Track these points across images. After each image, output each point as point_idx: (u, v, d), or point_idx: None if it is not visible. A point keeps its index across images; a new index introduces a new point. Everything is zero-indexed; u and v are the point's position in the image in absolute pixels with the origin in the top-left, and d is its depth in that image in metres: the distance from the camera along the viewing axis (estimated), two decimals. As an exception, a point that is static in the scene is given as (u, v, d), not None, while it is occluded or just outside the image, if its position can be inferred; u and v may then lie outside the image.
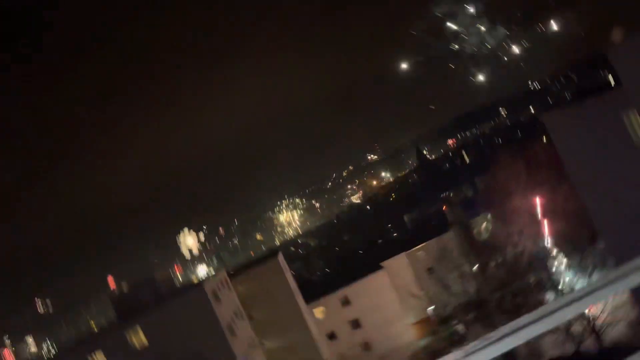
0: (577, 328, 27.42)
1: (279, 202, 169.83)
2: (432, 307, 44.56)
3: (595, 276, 30.90)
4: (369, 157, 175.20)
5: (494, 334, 1.85)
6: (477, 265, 41.84)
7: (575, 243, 33.55)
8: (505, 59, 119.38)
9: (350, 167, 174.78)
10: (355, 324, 46.54)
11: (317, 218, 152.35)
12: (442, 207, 73.51)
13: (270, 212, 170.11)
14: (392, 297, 46.21)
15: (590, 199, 20.79)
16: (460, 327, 39.94)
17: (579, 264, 33.31)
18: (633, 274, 1.90)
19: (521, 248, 34.94)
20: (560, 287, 33.25)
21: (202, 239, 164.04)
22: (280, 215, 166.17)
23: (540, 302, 32.15)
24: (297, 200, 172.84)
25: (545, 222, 37.60)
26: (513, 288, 33.41)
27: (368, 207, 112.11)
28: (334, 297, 46.84)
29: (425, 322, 46.59)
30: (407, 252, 50.27)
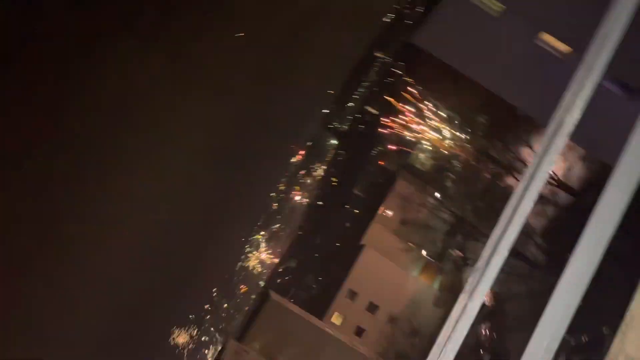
0: None
1: (242, 251, 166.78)
2: (424, 251, 45.53)
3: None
4: (294, 160, 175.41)
5: (480, 264, 1.75)
6: (436, 193, 43.12)
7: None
8: None
9: (283, 179, 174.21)
10: (372, 307, 46.81)
11: (283, 239, 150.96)
12: (379, 162, 75.29)
13: (239, 263, 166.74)
14: (387, 264, 46.82)
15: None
16: (456, 253, 41.01)
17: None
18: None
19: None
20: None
21: (194, 332, 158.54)
22: (248, 260, 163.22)
23: (509, 188, 33.56)
24: (256, 236, 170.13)
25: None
26: (478, 193, 34.65)
27: (320, 202, 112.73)
28: (340, 297, 46.89)
29: (428, 268, 47.51)
30: (374, 218, 51.22)
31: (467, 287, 1.71)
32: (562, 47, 14.82)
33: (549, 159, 1.75)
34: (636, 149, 1.84)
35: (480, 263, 1.73)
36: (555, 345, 1.70)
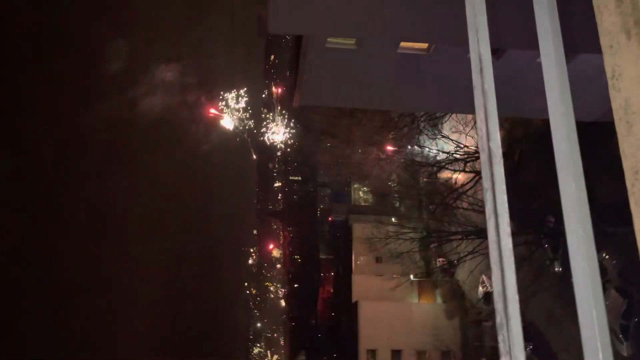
0: None
1: (248, 348, 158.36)
2: (411, 276, 45.31)
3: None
4: (251, 261, 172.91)
5: (499, 320, 1.61)
6: (392, 218, 43.68)
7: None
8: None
9: (248, 281, 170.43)
10: (396, 354, 45.36)
11: (279, 339, 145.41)
12: (329, 219, 75.74)
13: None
14: (387, 306, 45.99)
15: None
16: (439, 261, 41.20)
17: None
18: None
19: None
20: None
21: None
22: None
23: (447, 180, 34.60)
24: (255, 350, 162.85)
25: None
26: (425, 199, 35.48)
27: (295, 285, 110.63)
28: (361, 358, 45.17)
29: (423, 289, 47.15)
30: (353, 271, 50.70)
31: (503, 348, 1.55)
32: (421, 45, 15.90)
33: (500, 194, 1.71)
34: (555, 94, 1.84)
35: (499, 319, 1.59)
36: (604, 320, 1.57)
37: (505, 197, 1.68)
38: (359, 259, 50.84)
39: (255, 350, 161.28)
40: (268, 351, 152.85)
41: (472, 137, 32.34)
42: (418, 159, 37.87)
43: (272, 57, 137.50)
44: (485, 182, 1.74)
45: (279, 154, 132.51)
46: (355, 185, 66.69)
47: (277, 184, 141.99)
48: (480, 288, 35.65)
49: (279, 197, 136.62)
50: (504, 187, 1.70)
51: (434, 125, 34.81)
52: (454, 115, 33.59)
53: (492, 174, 1.73)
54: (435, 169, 34.78)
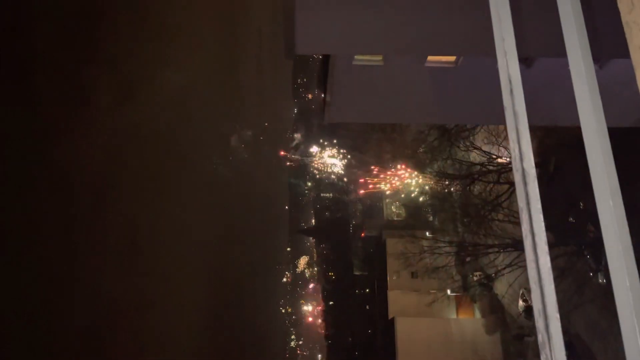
0: None
1: None
2: (448, 291, 44.57)
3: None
4: (285, 279, 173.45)
5: (542, 338, 1.63)
6: (426, 232, 43.22)
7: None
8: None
9: (282, 300, 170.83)
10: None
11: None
12: (361, 235, 75.38)
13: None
14: (425, 323, 45.25)
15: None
16: (476, 275, 40.41)
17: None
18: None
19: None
20: None
21: None
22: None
23: (480, 191, 34.06)
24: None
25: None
26: (459, 211, 35.00)
27: (330, 302, 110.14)
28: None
29: (461, 304, 46.27)
30: (387, 287, 50.17)
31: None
32: (449, 58, 15.88)
33: (534, 203, 1.74)
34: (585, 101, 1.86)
35: (541, 338, 1.61)
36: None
37: (541, 216, 1.70)
38: (394, 275, 50.34)
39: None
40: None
41: (505, 148, 31.84)
42: (450, 171, 37.50)
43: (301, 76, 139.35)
44: (520, 202, 1.77)
45: (312, 170, 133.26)
46: (387, 200, 66.30)
47: (308, 201, 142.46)
48: (521, 301, 34.74)
49: (311, 214, 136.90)
50: (539, 205, 1.72)
51: (466, 137, 34.47)
52: (485, 127, 33.21)
53: (526, 194, 1.76)
54: (468, 181, 34.33)
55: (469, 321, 45.30)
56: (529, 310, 33.61)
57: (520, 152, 1.82)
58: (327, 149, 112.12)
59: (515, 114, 1.87)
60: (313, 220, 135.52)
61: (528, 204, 1.76)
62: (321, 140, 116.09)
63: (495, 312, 40.70)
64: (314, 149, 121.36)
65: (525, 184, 1.78)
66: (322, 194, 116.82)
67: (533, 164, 1.80)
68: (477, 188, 34.58)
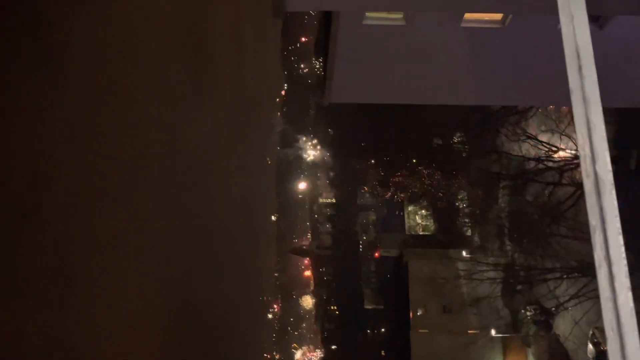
0: None
1: None
2: (492, 331, 44.73)
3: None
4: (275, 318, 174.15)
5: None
6: (463, 252, 43.37)
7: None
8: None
9: (277, 339, 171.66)
10: None
11: None
12: (375, 256, 75.64)
13: None
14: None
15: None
16: (530, 310, 40.51)
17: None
18: None
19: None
20: None
21: None
22: None
23: (537, 198, 34.17)
24: None
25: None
26: (508, 225, 35.10)
27: (333, 347, 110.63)
28: None
29: (510, 347, 46.42)
30: (410, 327, 50.35)
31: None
32: (493, 16, 15.91)
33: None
34: None
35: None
36: None
37: (620, 238, 1.69)
38: (419, 309, 50.27)
39: None
40: None
41: (570, 138, 31.94)
42: (495, 169, 37.60)
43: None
44: (592, 218, 1.77)
45: (307, 167, 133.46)
46: (410, 208, 66.41)
47: (302, 209, 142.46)
48: (591, 346, 34.85)
49: (307, 226, 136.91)
50: (617, 224, 1.71)
51: (516, 123, 34.56)
52: (542, 108, 33.30)
53: (600, 209, 1.76)
54: (520, 182, 34.43)
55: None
56: (601, 356, 33.72)
57: (592, 151, 1.82)
58: (327, 138, 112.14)
59: (585, 99, 1.87)
60: (309, 235, 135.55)
61: (603, 222, 1.76)
62: (319, 126, 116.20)
63: (556, 358, 40.82)
64: (310, 138, 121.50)
65: (598, 194, 1.78)
66: (321, 200, 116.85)
67: (609, 168, 1.80)
68: (531, 191, 34.65)
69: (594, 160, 1.82)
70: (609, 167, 1.80)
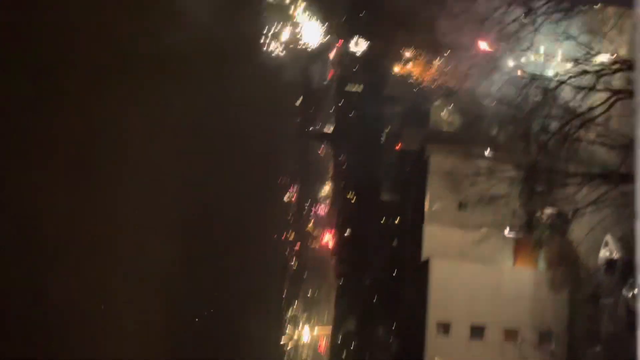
0: None
1: (277, 339, 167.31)
2: (506, 229, 45.23)
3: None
4: (287, 198, 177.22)
5: None
6: (485, 150, 43.21)
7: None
8: None
9: (287, 226, 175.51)
10: (477, 331, 46.30)
11: (322, 301, 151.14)
12: (396, 148, 75.74)
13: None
14: (468, 269, 46.51)
15: None
16: (546, 212, 40.70)
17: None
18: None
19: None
20: None
21: None
22: (291, 347, 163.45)
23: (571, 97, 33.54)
24: (289, 314, 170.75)
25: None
26: (536, 124, 34.69)
27: (346, 233, 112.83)
28: (431, 338, 46.53)
29: (521, 248, 47.14)
30: (424, 219, 51.05)
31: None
32: None
33: None
34: None
35: None
36: None
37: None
38: (435, 203, 50.81)
39: (290, 314, 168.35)
40: (299, 315, 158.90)
41: (612, 41, 30.89)
42: (530, 68, 36.67)
43: None
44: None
45: (331, 55, 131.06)
46: (437, 103, 65.51)
47: (326, 92, 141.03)
48: (603, 252, 35.31)
49: (330, 113, 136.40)
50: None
51: (557, 20, 33.28)
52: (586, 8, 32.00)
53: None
54: (553, 83, 33.60)
55: (529, 272, 46.33)
56: (612, 264, 34.24)
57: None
58: (355, 17, 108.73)
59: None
60: (332, 121, 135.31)
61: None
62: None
63: (567, 263, 41.48)
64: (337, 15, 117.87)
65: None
66: (347, 86, 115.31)
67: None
68: (564, 95, 33.92)
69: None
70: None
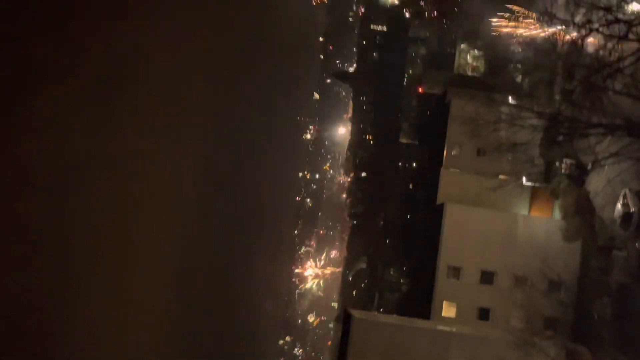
0: None
1: (291, 275, 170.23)
2: (524, 177, 45.12)
3: None
4: (308, 136, 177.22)
5: None
6: (509, 96, 42.78)
7: None
8: None
9: (304, 167, 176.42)
10: (487, 276, 46.65)
11: (335, 239, 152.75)
12: (418, 91, 75.10)
13: (296, 291, 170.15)
14: (483, 214, 46.56)
15: None
16: (565, 163, 40.48)
17: None
18: None
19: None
20: None
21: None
22: (304, 283, 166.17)
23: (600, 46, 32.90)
24: (301, 250, 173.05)
25: None
26: (561, 73, 34.15)
27: (363, 174, 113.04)
28: (441, 281, 47.01)
29: (537, 197, 47.03)
30: (442, 164, 50.98)
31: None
32: None
33: None
34: None
35: None
36: None
37: None
38: (454, 148, 50.64)
39: (302, 251, 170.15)
40: (311, 251, 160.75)
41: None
42: (560, 14, 35.79)
43: None
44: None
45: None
46: (463, 46, 64.52)
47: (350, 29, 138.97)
48: (619, 205, 35.21)
49: (353, 52, 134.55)
50: None
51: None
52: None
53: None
54: (583, 31, 32.87)
55: (544, 220, 46.37)
56: (628, 217, 34.21)
57: None
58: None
59: None
60: (354, 60, 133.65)
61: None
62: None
63: (582, 213, 41.46)
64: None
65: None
66: (372, 26, 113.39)
67: None
68: (593, 43, 33.25)
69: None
70: None
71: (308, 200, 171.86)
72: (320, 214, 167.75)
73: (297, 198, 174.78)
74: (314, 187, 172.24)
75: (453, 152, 51.11)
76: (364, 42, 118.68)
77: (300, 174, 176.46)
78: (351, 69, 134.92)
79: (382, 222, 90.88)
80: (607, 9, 31.88)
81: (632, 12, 31.24)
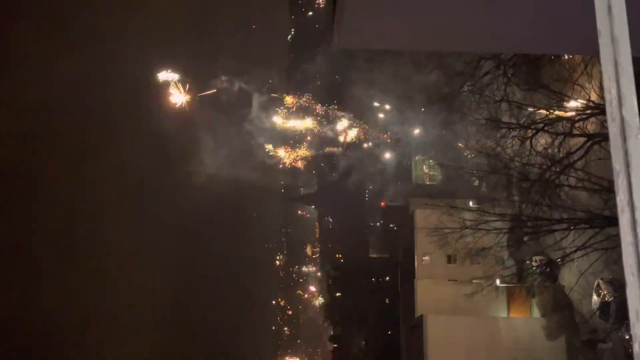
0: None
1: None
2: (497, 279, 45.12)
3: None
4: (278, 261, 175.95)
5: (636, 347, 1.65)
6: (470, 202, 43.46)
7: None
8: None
9: (279, 292, 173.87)
10: None
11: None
12: (381, 205, 76.14)
13: None
14: (464, 322, 46.09)
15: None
16: (536, 260, 40.70)
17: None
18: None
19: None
20: None
21: None
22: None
23: (546, 149, 34.06)
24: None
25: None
26: (516, 175, 35.02)
27: (337, 294, 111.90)
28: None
29: (514, 298, 46.91)
30: (415, 275, 50.87)
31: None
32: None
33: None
34: None
35: (637, 348, 1.63)
36: None
37: (644, 183, 1.70)
38: (424, 258, 50.80)
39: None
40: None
41: (582, 87, 31.65)
42: (505, 118, 37.35)
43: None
44: (616, 163, 1.77)
45: (312, 113, 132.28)
46: (417, 157, 66.34)
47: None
48: (595, 296, 35.24)
49: (313, 174, 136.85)
50: (642, 167, 1.72)
51: (528, 71, 34.17)
52: (555, 58, 32.87)
53: (625, 152, 1.76)
54: (530, 132, 34.24)
55: (524, 321, 46.01)
56: (606, 307, 34.13)
57: (619, 95, 1.81)
58: (334, 83, 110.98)
59: (613, 39, 1.85)
60: (315, 183, 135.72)
61: (627, 165, 1.76)
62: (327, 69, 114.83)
63: (560, 309, 41.34)
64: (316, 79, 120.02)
65: (624, 138, 1.78)
66: (327, 148, 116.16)
67: (637, 112, 1.80)
68: (541, 142, 34.52)
69: (620, 104, 1.82)
70: (636, 110, 1.80)
71: (285, 328, 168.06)
72: (298, 340, 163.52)
73: (272, 327, 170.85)
74: (289, 313, 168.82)
75: (424, 262, 51.20)
76: (322, 164, 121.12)
77: (274, 302, 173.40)
78: (312, 189, 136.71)
79: (363, 343, 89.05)
80: (549, 109, 33.42)
81: (573, 109, 32.72)
